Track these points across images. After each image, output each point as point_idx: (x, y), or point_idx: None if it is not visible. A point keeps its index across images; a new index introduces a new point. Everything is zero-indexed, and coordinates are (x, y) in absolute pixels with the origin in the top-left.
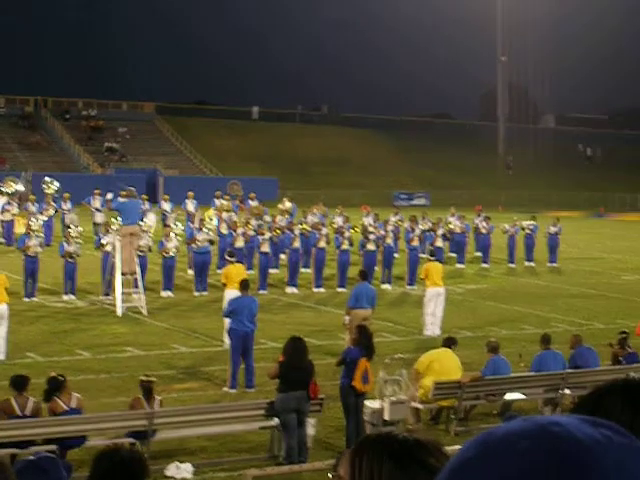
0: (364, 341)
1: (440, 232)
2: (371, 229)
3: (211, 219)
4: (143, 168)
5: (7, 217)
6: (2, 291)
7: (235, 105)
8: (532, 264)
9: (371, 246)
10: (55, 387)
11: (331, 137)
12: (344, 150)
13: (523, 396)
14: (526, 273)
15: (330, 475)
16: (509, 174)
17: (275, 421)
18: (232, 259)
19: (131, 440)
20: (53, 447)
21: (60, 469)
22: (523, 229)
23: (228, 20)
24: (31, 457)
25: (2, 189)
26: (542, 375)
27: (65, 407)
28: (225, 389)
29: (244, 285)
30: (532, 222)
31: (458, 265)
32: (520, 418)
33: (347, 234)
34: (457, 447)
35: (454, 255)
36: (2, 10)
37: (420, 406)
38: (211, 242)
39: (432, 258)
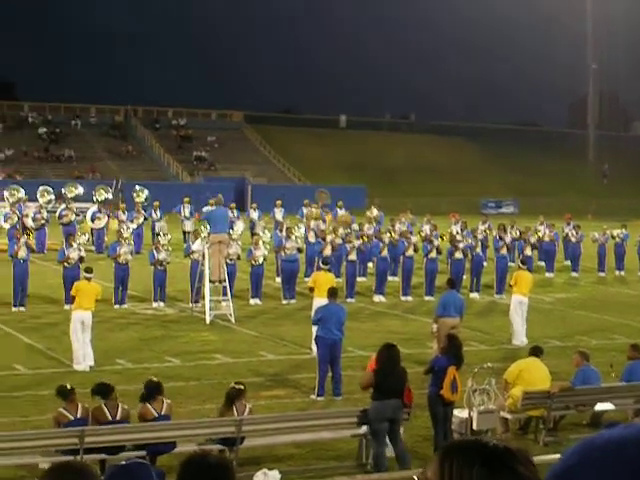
0: (453, 350)
1: (532, 240)
2: (459, 237)
3: (299, 227)
4: (232, 177)
5: (97, 224)
6: (92, 300)
7: (323, 114)
8: (622, 273)
9: (459, 254)
10: (153, 391)
11: (419, 145)
12: (432, 158)
13: (613, 406)
14: (616, 282)
15: (415, 477)
16: (604, 182)
17: (363, 429)
18: (326, 267)
19: (219, 447)
20: (143, 453)
21: (151, 475)
22: (613, 237)
23: (318, 30)
24: (122, 462)
25: (94, 197)
26: (632, 385)
27: (155, 414)
28: (312, 397)
29: (332, 293)
30: (623, 230)
31: (547, 274)
32: (621, 426)
33: (435, 242)
34: (546, 457)
35: (543, 264)
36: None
37: (509, 416)
38: (299, 250)
39: (523, 266)
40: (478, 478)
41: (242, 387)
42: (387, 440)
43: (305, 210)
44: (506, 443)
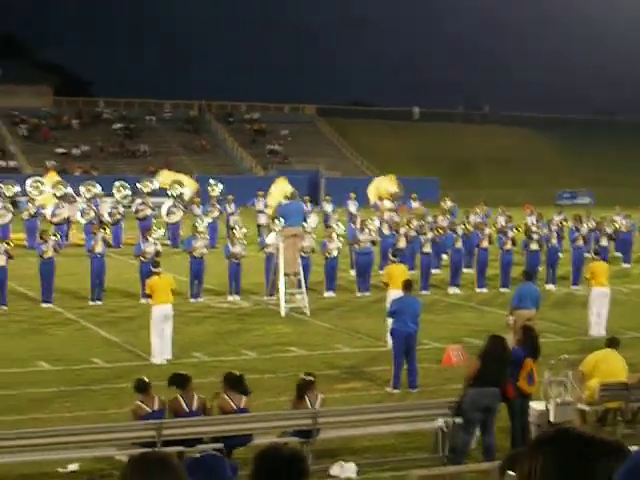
0: (529, 341)
1: (609, 231)
2: (534, 229)
3: (373, 220)
4: (305, 170)
5: (172, 219)
6: (168, 292)
7: (396, 105)
8: None
9: (534, 246)
10: (232, 383)
11: (493, 136)
12: (506, 149)
13: None
14: None
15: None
16: None
17: (440, 422)
18: (396, 259)
19: (295, 439)
20: (220, 445)
21: (226, 467)
22: None
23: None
24: (197, 455)
25: (169, 192)
26: None
27: (234, 406)
28: (388, 389)
29: (407, 285)
30: None
31: (624, 265)
32: None
33: (510, 234)
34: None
35: (620, 255)
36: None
37: (586, 408)
38: (373, 243)
39: (597, 257)
40: (571, 468)
41: (312, 378)
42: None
43: (379, 202)
44: (599, 434)
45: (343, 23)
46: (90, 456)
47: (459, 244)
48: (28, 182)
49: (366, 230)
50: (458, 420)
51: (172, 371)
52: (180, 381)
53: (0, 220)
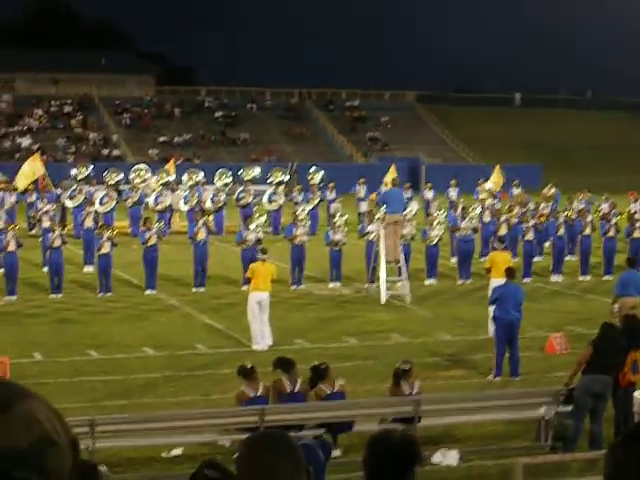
0: (632, 330)
1: None
2: (638, 216)
3: (474, 207)
4: (405, 157)
5: (273, 206)
6: (268, 280)
7: (497, 92)
8: None
9: (638, 233)
10: (318, 376)
11: (596, 122)
12: (610, 135)
13: None
14: None
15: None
16: None
17: (542, 410)
18: (501, 245)
19: (398, 426)
20: (321, 431)
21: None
22: None
23: (489, 8)
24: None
25: (270, 179)
26: None
27: (328, 391)
28: (490, 377)
29: (510, 273)
30: None
31: None
32: None
33: (613, 221)
34: None
35: None
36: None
37: None
38: (474, 230)
39: None
40: None
41: (407, 366)
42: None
43: (480, 189)
44: None
45: (443, 8)
46: (194, 441)
47: (561, 231)
48: (131, 170)
49: (467, 217)
50: (565, 408)
51: (274, 357)
52: (285, 365)
53: (104, 208)
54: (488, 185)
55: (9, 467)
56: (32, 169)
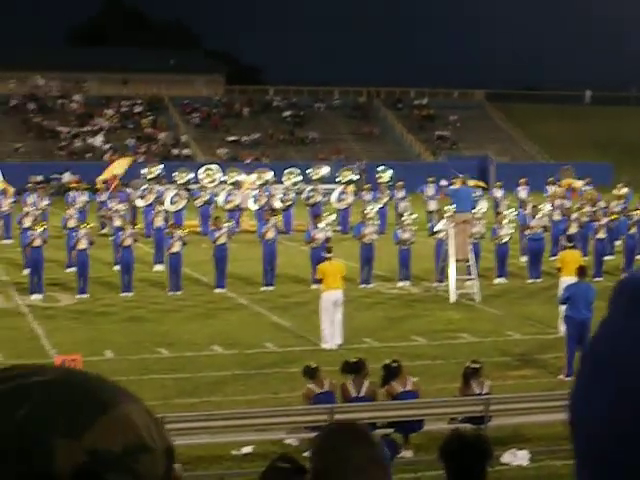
0: None
1: None
2: None
3: (544, 205)
4: (474, 155)
5: (342, 205)
6: (338, 278)
7: (566, 90)
8: None
9: None
10: (391, 374)
11: None
12: None
13: None
14: None
15: None
16: None
17: None
18: (570, 244)
19: (467, 425)
20: (390, 430)
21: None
22: None
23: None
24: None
25: (339, 178)
26: None
27: (400, 389)
28: (560, 377)
29: (581, 271)
30: None
31: None
32: None
33: None
34: None
35: None
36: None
37: None
38: (545, 228)
39: None
40: None
41: (477, 366)
42: None
43: (549, 188)
44: None
45: (509, 8)
46: (264, 439)
47: (633, 230)
48: (201, 170)
49: (537, 216)
50: None
51: (342, 357)
52: (352, 367)
53: (174, 207)
54: (586, 189)
55: (102, 469)
56: (118, 168)
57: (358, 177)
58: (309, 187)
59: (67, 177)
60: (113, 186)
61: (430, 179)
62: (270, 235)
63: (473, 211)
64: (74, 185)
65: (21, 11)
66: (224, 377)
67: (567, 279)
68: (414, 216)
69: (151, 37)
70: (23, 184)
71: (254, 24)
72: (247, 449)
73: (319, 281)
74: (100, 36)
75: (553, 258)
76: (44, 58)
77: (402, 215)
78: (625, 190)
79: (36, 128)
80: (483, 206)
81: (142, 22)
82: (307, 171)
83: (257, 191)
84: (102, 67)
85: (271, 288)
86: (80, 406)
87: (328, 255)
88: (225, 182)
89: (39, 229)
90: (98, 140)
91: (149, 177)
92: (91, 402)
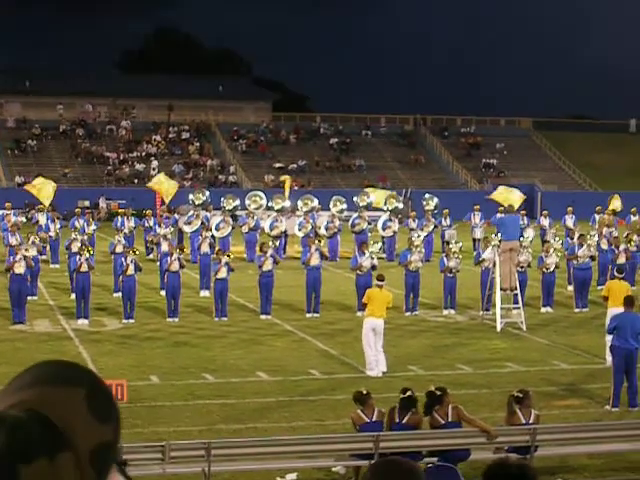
0: None
1: None
2: None
3: (591, 235)
4: (521, 184)
5: (388, 233)
6: (383, 307)
7: (612, 118)
8: None
9: None
10: (434, 401)
11: None
12: None
13: None
14: None
15: None
16: None
17: None
18: (620, 275)
19: (513, 455)
20: (434, 459)
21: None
22: None
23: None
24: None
25: (384, 206)
26: None
27: (442, 421)
28: (607, 407)
29: (628, 301)
30: None
31: None
32: None
33: None
34: None
35: None
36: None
37: None
38: (592, 258)
39: None
40: None
41: (521, 394)
42: None
43: (597, 217)
44: None
45: (558, 37)
46: (308, 466)
47: None
48: (247, 196)
49: (584, 245)
50: None
51: (388, 384)
52: (408, 402)
53: (220, 233)
54: (634, 218)
55: None
56: (166, 188)
57: (402, 206)
58: (355, 214)
59: (102, 202)
60: (159, 211)
61: (476, 207)
62: (314, 262)
63: (520, 239)
64: (122, 211)
65: (72, 37)
66: (269, 403)
67: (614, 309)
68: (460, 244)
69: (200, 64)
70: (71, 209)
71: (301, 52)
72: (291, 476)
73: (364, 308)
74: (149, 62)
75: (600, 287)
76: (93, 84)
77: (448, 243)
78: None
79: (84, 154)
80: (530, 234)
81: (191, 49)
82: (353, 198)
83: (302, 218)
84: (150, 93)
85: (316, 315)
86: None
87: (380, 283)
88: (271, 208)
89: (86, 254)
90: (144, 166)
91: (196, 203)
92: None
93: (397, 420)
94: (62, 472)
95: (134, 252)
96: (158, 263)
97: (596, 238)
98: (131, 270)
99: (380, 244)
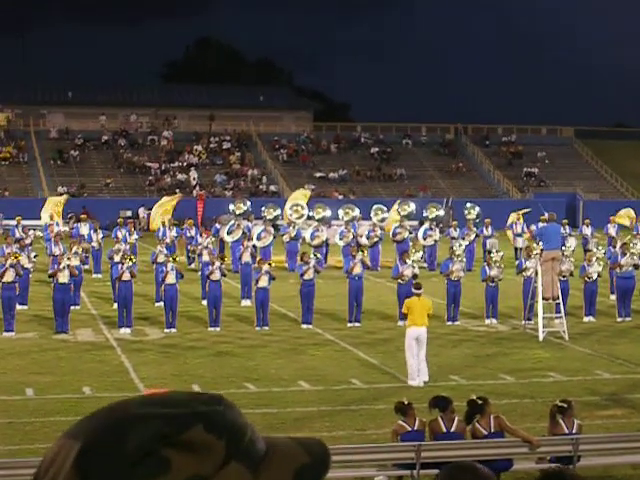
0: None
1: None
2: None
3: (635, 243)
4: (562, 192)
5: (429, 242)
6: (424, 315)
7: None
8: None
9: None
10: (475, 410)
11: None
12: None
13: None
14: None
15: None
16: None
17: None
18: None
19: (556, 465)
20: None
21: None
22: None
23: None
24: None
25: (425, 215)
26: None
27: (484, 431)
28: None
29: None
30: None
31: None
32: None
33: None
34: None
35: None
36: (405, 47)
37: None
38: (636, 266)
39: None
40: None
41: (564, 404)
42: None
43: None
44: None
45: (601, 45)
46: (350, 476)
47: None
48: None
49: (627, 253)
50: None
51: (429, 394)
52: (441, 403)
53: (261, 243)
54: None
55: None
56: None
57: (443, 214)
58: (396, 223)
59: (142, 212)
60: (200, 221)
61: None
62: (357, 271)
63: (562, 248)
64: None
65: (114, 48)
66: (310, 413)
67: None
68: (502, 253)
69: (241, 74)
70: (113, 219)
71: (343, 61)
72: None
73: (406, 317)
74: (191, 73)
75: None
76: (135, 95)
77: (490, 252)
78: None
79: (126, 164)
80: (572, 243)
81: (232, 59)
82: (395, 206)
83: (343, 227)
84: (191, 103)
85: (358, 324)
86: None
87: (417, 292)
88: (312, 218)
89: (128, 263)
90: (186, 176)
91: (237, 213)
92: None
93: (444, 430)
94: None
95: (174, 259)
96: (200, 273)
97: (639, 247)
98: (172, 277)
99: (421, 253)
